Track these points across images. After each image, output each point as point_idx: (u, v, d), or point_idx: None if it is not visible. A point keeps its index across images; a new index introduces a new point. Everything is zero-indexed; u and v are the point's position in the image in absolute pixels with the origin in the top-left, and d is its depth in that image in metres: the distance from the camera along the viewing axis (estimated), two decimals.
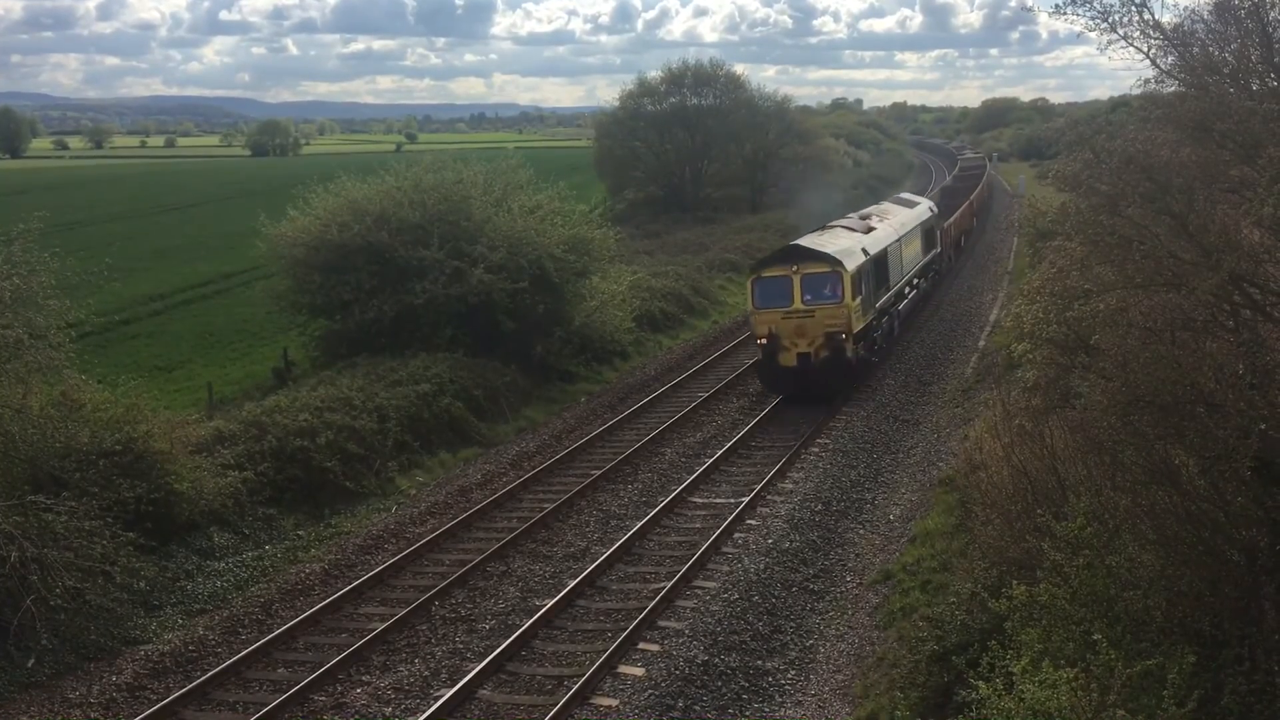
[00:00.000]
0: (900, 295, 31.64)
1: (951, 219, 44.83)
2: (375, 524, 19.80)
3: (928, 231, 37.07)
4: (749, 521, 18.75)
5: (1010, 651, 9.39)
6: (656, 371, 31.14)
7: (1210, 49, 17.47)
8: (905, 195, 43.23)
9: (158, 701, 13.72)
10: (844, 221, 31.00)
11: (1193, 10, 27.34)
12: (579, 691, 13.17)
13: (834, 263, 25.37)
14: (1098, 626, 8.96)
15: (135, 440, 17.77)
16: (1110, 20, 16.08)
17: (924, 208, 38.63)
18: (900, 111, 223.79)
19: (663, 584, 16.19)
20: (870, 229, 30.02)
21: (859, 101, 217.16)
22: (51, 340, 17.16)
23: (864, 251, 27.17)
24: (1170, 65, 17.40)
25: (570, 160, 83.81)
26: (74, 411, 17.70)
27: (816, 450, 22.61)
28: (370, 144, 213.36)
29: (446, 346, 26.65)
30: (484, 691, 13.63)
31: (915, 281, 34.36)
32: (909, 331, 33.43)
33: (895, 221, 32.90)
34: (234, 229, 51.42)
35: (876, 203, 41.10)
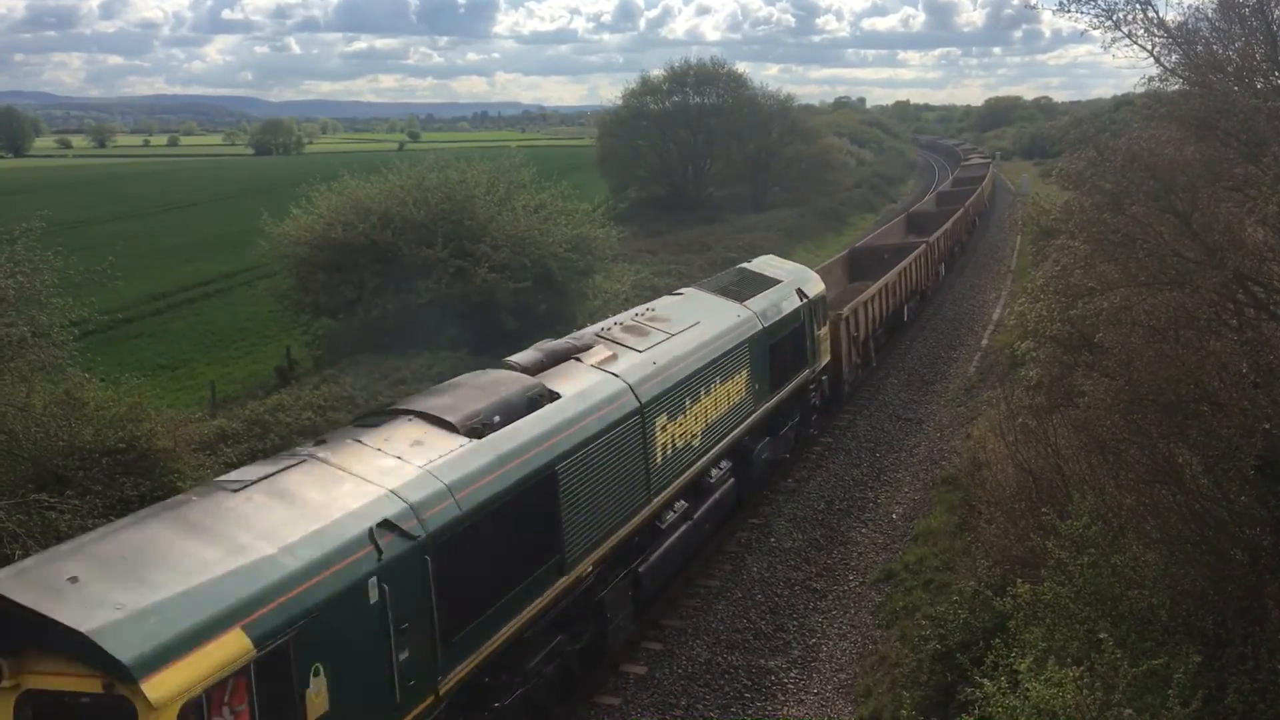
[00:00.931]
0: (625, 546, 13.73)
1: (873, 292, 27.46)
2: None
3: (776, 347, 19.43)
4: (751, 520, 18.74)
5: (1014, 650, 9.37)
6: None
7: (1214, 47, 17.45)
8: (755, 266, 22.46)
9: None
10: (443, 395, 12.31)
11: (1197, 8, 27.32)
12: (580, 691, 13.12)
13: (114, 667, 7.03)
14: (1102, 625, 8.95)
15: (138, 439, 17.76)
16: (1114, 18, 16.07)
17: (779, 295, 20.59)
18: (903, 110, 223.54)
19: None
20: (528, 401, 12.36)
21: (862, 100, 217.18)
22: (55, 339, 17.16)
23: (397, 532, 9.45)
24: (1174, 63, 17.39)
25: (573, 159, 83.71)
26: (77, 410, 17.69)
27: (820, 448, 22.57)
28: (373, 143, 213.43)
29: (449, 345, 26.65)
30: None
31: (722, 469, 17.11)
32: (910, 331, 33.31)
33: (647, 360, 14.93)
34: (237, 228, 51.44)
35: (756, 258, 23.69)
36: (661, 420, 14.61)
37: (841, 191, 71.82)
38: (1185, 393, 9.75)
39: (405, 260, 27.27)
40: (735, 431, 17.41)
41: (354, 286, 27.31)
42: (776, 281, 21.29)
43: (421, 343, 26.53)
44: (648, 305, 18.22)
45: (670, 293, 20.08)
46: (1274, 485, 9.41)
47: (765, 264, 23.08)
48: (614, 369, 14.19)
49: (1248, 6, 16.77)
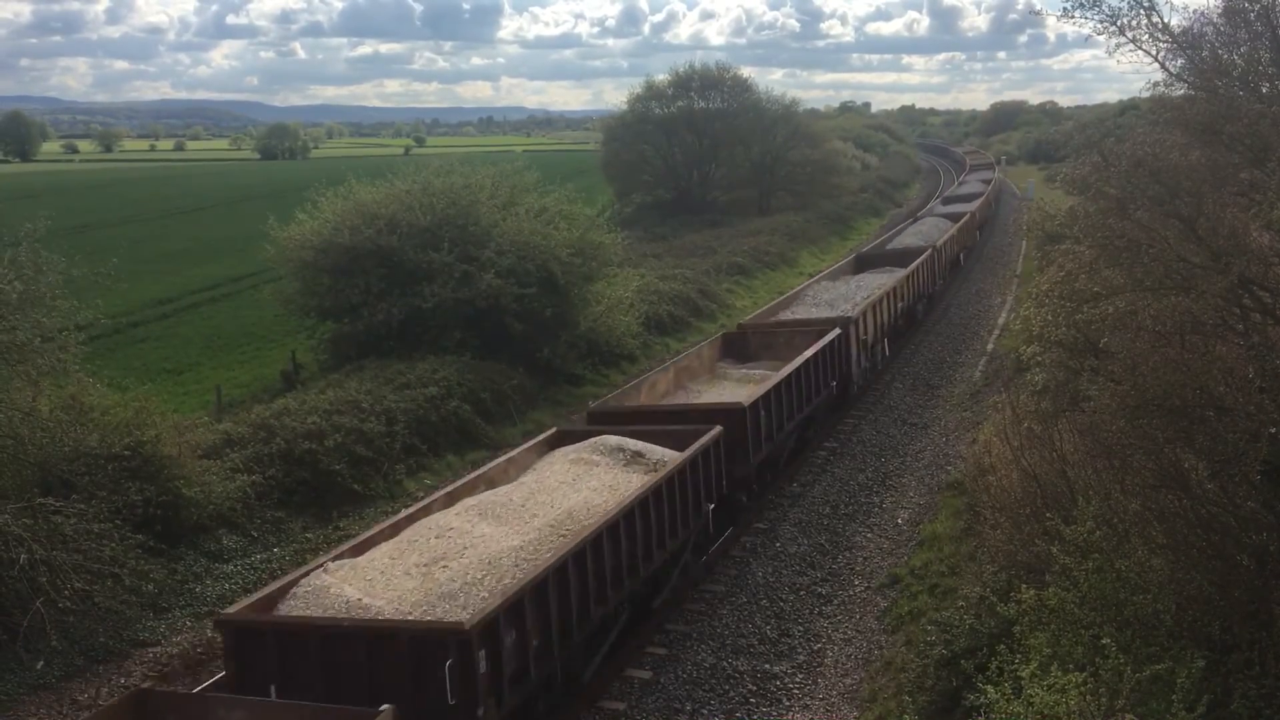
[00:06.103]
0: None
1: None
2: None
3: None
4: (756, 525, 18.72)
5: (1019, 656, 9.36)
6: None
7: (1219, 52, 17.45)
8: None
9: None
10: None
11: (1202, 13, 27.29)
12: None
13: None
14: (1107, 631, 8.92)
15: (144, 444, 17.79)
16: (1119, 23, 16.12)
17: None
18: (908, 114, 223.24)
19: None
20: None
21: (867, 105, 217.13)
22: (60, 343, 17.19)
23: None
24: (1179, 68, 17.41)
25: (577, 163, 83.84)
26: (83, 414, 17.73)
27: (825, 453, 22.56)
28: (379, 148, 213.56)
29: (454, 349, 26.65)
30: None
31: None
32: (915, 336, 33.32)
33: None
34: (243, 232, 51.52)
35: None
36: None
37: (846, 196, 71.79)
38: (1191, 398, 9.73)
39: (410, 265, 27.29)
40: None
41: (359, 291, 27.32)
42: None
43: (427, 347, 26.56)
44: None
45: None
46: None
47: None
48: None
49: (1253, 11, 16.77)
